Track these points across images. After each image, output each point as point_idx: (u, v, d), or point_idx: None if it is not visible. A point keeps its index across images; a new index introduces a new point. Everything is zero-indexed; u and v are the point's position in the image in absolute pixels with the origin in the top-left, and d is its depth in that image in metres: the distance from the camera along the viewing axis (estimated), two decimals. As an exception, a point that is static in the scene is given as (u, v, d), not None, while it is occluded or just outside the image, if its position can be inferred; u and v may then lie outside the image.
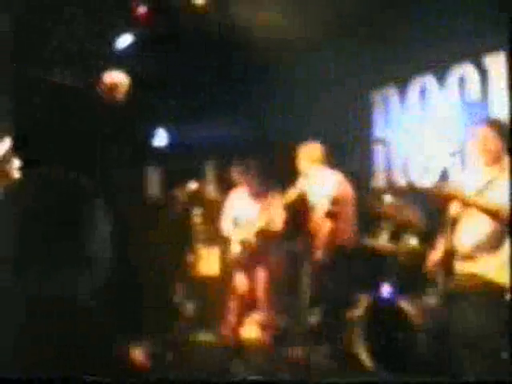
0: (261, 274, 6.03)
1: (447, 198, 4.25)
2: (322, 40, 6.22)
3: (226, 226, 6.28)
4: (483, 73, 5.49)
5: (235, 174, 6.21)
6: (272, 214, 5.91)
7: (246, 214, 6.12)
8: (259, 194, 6.07)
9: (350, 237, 5.67)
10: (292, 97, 6.97)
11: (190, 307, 6.86)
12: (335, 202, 5.37)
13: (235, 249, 6.11)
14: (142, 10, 5.87)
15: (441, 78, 5.93)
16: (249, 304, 6.07)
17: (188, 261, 6.75)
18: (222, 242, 6.46)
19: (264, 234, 5.95)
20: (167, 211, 6.50)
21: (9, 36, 6.39)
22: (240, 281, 6.11)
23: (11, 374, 1.86)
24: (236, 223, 6.17)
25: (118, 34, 6.34)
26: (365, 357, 4.94)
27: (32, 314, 1.96)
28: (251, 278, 6.07)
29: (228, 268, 6.32)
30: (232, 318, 6.12)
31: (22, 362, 1.90)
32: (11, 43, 6.41)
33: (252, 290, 6.05)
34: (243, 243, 6.03)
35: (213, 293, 6.62)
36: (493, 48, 5.28)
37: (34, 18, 6.13)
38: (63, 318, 1.98)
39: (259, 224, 5.96)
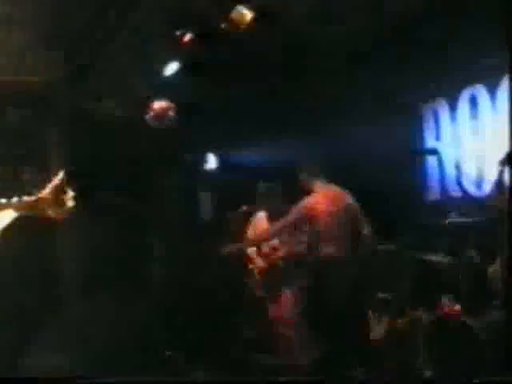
0: (287, 297, 5.95)
1: (500, 209, 4.13)
2: (371, 54, 6.20)
3: (250, 249, 6.28)
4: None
5: (261, 196, 6.19)
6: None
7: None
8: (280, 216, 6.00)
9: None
10: (342, 114, 6.91)
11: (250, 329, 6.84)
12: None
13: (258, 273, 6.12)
14: (187, 37, 5.95)
15: (491, 88, 5.83)
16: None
17: (246, 283, 6.73)
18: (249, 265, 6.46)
19: (289, 257, 5.92)
20: (222, 234, 6.51)
21: (61, 70, 6.57)
22: (270, 305, 6.08)
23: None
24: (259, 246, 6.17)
25: (165, 62, 6.43)
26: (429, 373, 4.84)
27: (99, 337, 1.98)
28: (278, 302, 6.00)
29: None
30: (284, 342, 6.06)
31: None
32: (64, 78, 6.59)
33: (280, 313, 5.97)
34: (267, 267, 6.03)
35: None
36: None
37: (83, 51, 6.28)
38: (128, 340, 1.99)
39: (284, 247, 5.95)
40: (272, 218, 6.04)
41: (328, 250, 5.29)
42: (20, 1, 5.45)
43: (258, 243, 5.94)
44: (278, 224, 5.63)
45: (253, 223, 6.29)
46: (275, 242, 6.04)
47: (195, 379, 4.19)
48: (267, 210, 6.13)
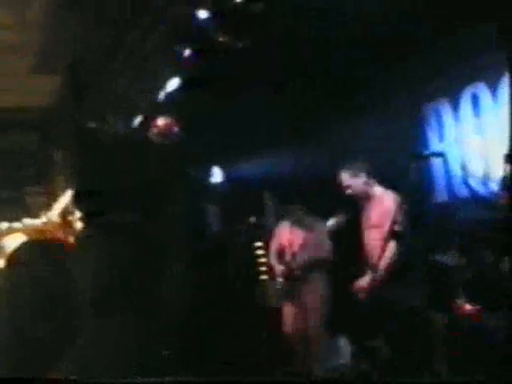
0: (310, 305, 5.95)
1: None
2: (369, 56, 6.21)
3: (272, 258, 6.29)
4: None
5: (280, 206, 6.22)
6: (319, 242, 5.87)
7: (289, 245, 6.13)
8: (303, 224, 6.03)
9: None
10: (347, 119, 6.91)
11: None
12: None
13: (280, 281, 6.13)
14: (187, 52, 5.98)
15: (492, 85, 5.83)
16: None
17: (255, 293, 6.73)
18: (270, 274, 6.46)
19: (311, 264, 5.92)
20: (230, 246, 6.53)
21: (64, 92, 6.61)
22: (289, 314, 6.07)
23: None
24: (280, 255, 6.18)
25: (166, 78, 6.46)
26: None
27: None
28: (301, 310, 5.99)
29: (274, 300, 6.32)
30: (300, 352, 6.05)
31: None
32: (67, 99, 6.63)
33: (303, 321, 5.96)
34: (288, 275, 6.03)
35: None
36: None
37: (85, 68, 6.31)
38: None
39: (302, 255, 5.95)
40: (296, 227, 6.07)
41: None
42: (19, 26, 5.51)
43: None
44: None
45: (277, 234, 6.29)
46: (295, 247, 6.05)
47: (195, 379, 4.17)
48: (290, 220, 6.14)
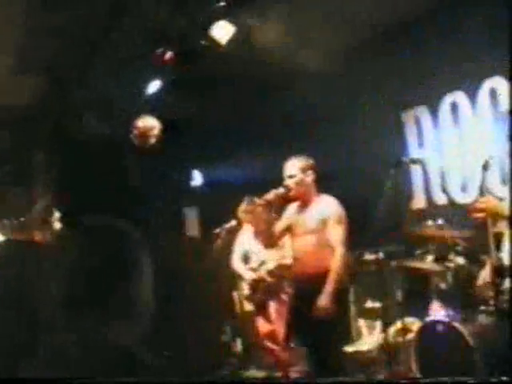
0: (276, 309, 5.94)
1: (486, 213, 4.10)
2: (349, 64, 6.24)
3: (236, 263, 6.28)
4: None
5: (242, 212, 6.19)
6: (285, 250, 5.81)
7: (254, 250, 6.14)
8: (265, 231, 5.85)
9: None
10: (327, 127, 6.94)
11: (238, 344, 6.83)
12: None
13: (246, 287, 6.13)
14: (168, 55, 5.97)
15: (471, 93, 5.90)
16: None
17: (233, 298, 6.73)
18: (234, 279, 6.47)
19: (278, 271, 5.92)
20: (207, 250, 6.52)
21: (44, 92, 6.57)
22: (259, 320, 6.07)
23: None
24: (246, 259, 6.19)
25: (147, 80, 6.45)
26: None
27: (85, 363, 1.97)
28: (268, 316, 6.00)
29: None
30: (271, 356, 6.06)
31: None
32: (46, 99, 6.59)
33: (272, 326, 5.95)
34: (256, 281, 6.03)
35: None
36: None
37: (64, 69, 6.28)
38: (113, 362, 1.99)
39: (272, 261, 5.95)
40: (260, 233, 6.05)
41: None
42: (2, 25, 5.47)
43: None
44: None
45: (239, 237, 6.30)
46: (262, 256, 6.06)
47: (194, 379, 4.15)
48: (252, 223, 6.14)
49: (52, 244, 2.54)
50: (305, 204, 5.09)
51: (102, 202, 5.67)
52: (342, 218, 4.96)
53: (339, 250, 4.83)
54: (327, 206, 5.00)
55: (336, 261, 4.80)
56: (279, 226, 5.19)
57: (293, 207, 5.19)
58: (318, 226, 4.93)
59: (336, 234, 4.88)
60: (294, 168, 5.04)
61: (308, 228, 4.98)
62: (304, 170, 5.04)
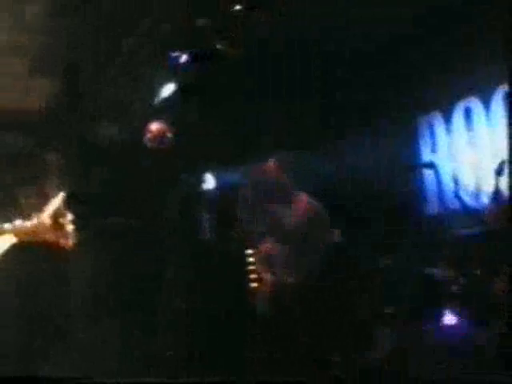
0: None
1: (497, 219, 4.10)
2: (364, 69, 6.25)
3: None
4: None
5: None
6: None
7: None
8: None
9: None
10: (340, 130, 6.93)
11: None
12: None
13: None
14: (183, 58, 6.00)
15: (485, 99, 5.88)
16: None
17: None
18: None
19: None
20: (222, 253, 6.53)
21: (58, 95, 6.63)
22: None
23: None
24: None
25: (162, 83, 6.47)
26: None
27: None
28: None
29: None
30: None
31: None
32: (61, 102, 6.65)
33: None
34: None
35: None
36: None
37: (78, 74, 6.33)
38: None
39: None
40: None
41: None
42: (19, 29, 5.53)
43: None
44: None
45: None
46: None
47: (194, 379, 4.18)
48: None
49: (65, 246, 2.56)
50: None
51: (114, 204, 5.70)
52: None
53: None
54: None
55: None
56: None
57: None
58: None
59: None
60: None
61: None
62: None
